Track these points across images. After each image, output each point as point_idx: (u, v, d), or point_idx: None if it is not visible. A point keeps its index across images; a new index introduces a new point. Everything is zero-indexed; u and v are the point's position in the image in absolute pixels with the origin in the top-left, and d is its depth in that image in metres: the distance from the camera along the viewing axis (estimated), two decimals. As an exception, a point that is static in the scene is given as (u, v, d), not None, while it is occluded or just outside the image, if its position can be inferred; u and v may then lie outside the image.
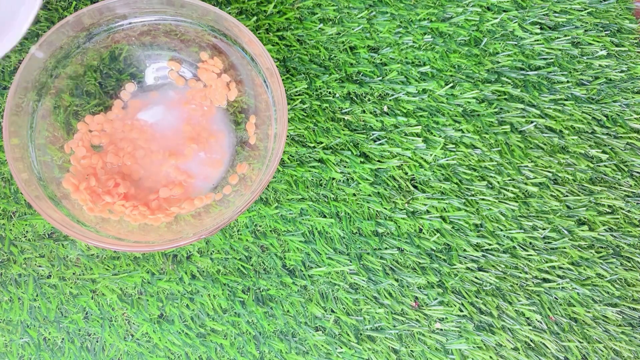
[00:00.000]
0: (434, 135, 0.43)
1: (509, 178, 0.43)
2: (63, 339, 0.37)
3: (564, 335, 0.41)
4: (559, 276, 0.42)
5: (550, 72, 0.46)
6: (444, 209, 0.42)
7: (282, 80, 0.42)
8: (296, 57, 0.43)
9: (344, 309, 0.39)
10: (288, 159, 0.41)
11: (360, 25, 0.44)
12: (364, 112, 0.43)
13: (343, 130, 0.42)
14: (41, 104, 0.33)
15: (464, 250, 0.41)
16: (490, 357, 0.40)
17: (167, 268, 0.38)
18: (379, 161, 0.42)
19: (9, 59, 0.40)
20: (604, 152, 0.46)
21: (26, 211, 0.38)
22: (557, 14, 0.48)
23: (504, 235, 0.42)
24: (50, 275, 0.38)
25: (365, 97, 0.43)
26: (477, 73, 0.45)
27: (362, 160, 0.42)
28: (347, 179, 0.41)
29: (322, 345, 0.39)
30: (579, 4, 0.48)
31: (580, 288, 0.42)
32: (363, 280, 0.40)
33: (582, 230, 0.43)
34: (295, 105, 0.42)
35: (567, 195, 0.44)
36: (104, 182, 0.35)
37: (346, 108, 0.43)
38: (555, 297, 0.42)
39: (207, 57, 0.37)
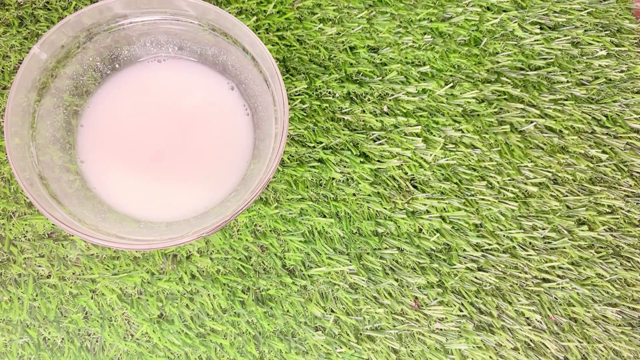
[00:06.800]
0: (434, 135, 0.43)
1: (509, 178, 0.43)
2: (63, 338, 0.37)
3: (563, 335, 0.41)
4: (558, 276, 0.42)
5: (550, 72, 0.46)
6: (444, 209, 0.42)
7: (282, 80, 0.42)
8: (296, 57, 0.43)
9: (344, 309, 0.39)
10: (288, 159, 0.41)
11: (360, 25, 0.44)
12: (363, 112, 0.43)
13: (343, 130, 0.42)
14: (42, 104, 0.33)
15: (464, 250, 0.41)
16: (490, 357, 0.40)
17: (167, 268, 0.38)
18: (378, 161, 0.42)
19: (9, 58, 0.40)
20: (604, 152, 0.46)
21: (26, 211, 0.38)
22: (557, 14, 0.48)
23: (504, 235, 0.42)
24: (50, 275, 0.38)
25: (365, 97, 0.43)
26: (477, 73, 0.45)
27: (362, 160, 0.42)
28: (347, 179, 0.41)
29: (322, 345, 0.39)
30: (579, 4, 0.48)
31: (580, 288, 0.42)
32: (363, 280, 0.40)
33: (582, 230, 0.43)
34: (295, 105, 0.42)
35: (567, 195, 0.44)
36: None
37: (346, 108, 0.43)
38: (555, 297, 0.42)
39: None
